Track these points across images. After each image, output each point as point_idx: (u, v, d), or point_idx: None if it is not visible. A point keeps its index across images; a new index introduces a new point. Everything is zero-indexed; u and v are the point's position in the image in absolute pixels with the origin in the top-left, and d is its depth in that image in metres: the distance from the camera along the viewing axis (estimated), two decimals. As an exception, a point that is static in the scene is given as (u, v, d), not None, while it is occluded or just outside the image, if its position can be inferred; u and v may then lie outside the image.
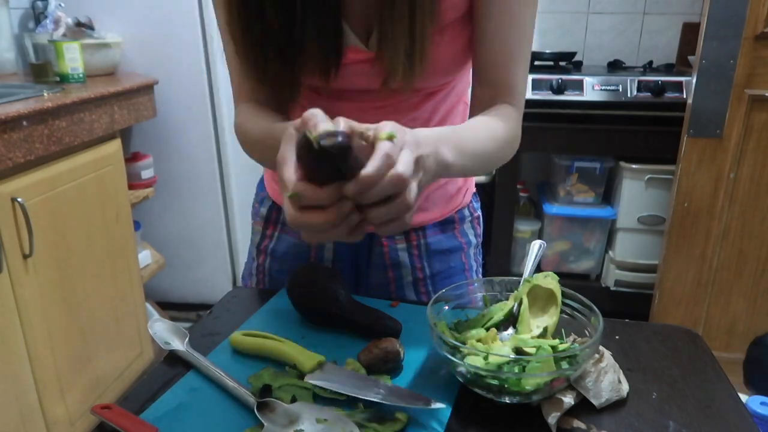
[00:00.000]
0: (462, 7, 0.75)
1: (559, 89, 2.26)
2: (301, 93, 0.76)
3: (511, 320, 0.72)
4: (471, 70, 0.86)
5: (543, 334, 0.67)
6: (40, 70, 1.92)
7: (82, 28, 2.05)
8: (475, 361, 0.60)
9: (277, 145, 0.56)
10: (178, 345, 0.72)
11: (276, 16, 0.68)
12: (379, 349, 0.67)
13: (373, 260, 0.93)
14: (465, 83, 0.88)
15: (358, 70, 0.75)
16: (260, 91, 0.79)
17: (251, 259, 1.01)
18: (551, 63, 2.50)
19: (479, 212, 1.00)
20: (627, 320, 0.81)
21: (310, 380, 0.64)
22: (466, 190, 0.96)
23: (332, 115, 0.78)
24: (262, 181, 1.00)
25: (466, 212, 0.96)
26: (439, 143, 0.61)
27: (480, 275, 1.00)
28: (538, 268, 0.78)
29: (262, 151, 0.75)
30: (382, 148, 0.51)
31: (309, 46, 0.71)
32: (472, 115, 0.81)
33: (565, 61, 2.55)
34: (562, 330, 0.70)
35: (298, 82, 0.74)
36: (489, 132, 0.73)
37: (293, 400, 0.61)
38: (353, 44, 0.74)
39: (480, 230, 1.00)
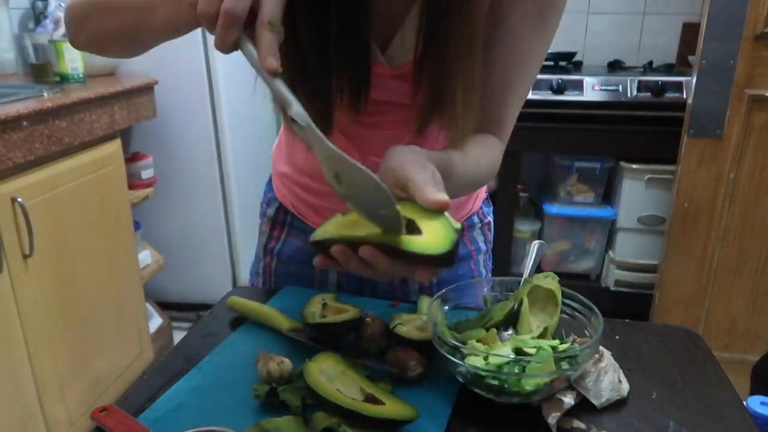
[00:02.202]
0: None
1: (559, 89, 2.26)
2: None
3: (511, 320, 0.72)
4: None
5: (543, 335, 0.67)
6: (40, 70, 1.92)
7: (82, 28, 2.05)
8: (475, 362, 0.60)
9: None
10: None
11: (312, 48, 0.65)
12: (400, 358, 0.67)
13: None
14: None
15: (380, 85, 0.73)
16: None
17: (257, 259, 1.01)
18: (551, 63, 2.50)
19: (490, 218, 0.98)
20: (627, 320, 0.81)
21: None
22: (476, 197, 0.95)
23: (344, 128, 0.77)
24: (269, 182, 0.99)
25: (476, 219, 0.96)
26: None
27: (489, 277, 0.99)
28: (539, 268, 0.78)
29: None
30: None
31: (340, 68, 0.67)
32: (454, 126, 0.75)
33: (565, 61, 2.55)
34: (562, 330, 0.70)
35: (331, 111, 0.70)
36: (474, 164, 0.70)
37: (303, 401, 0.62)
38: (375, 59, 0.71)
39: (491, 236, 0.99)
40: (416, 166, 0.54)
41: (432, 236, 0.50)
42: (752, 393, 1.67)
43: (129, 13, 0.63)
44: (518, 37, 0.70)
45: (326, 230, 0.58)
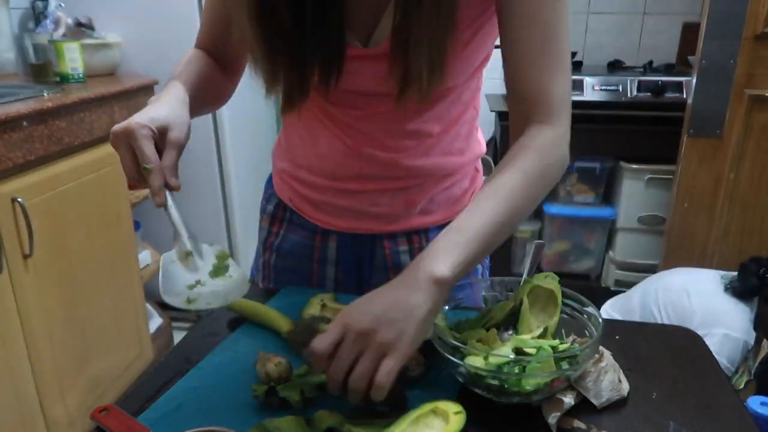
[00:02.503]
0: (478, 7, 0.72)
1: (559, 89, 2.26)
2: (310, 94, 0.75)
3: (512, 320, 0.72)
4: (479, 78, 0.85)
5: (543, 335, 0.67)
6: (40, 70, 1.92)
7: (82, 28, 2.05)
8: (475, 362, 0.60)
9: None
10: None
11: (286, 16, 0.69)
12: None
13: (376, 262, 0.93)
14: (472, 90, 0.85)
15: (356, 69, 0.75)
16: (218, 45, 0.88)
17: (258, 255, 1.02)
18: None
19: None
20: (627, 320, 0.81)
21: (288, 338, 0.73)
22: (472, 192, 0.94)
23: (331, 115, 0.80)
24: (270, 179, 1.00)
25: None
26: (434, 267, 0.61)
27: (486, 276, 0.99)
28: (539, 268, 0.78)
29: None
30: None
31: (314, 43, 0.71)
32: (511, 131, 0.75)
33: (565, 61, 2.54)
34: (562, 330, 0.70)
35: (306, 82, 0.74)
36: (519, 198, 0.67)
37: (302, 394, 0.62)
38: (350, 42, 0.73)
39: None
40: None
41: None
42: (756, 393, 1.68)
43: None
44: (534, 8, 0.69)
45: None
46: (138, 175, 0.65)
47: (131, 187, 2.05)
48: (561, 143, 0.72)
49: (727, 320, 1.63)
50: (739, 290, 1.69)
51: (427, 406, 0.59)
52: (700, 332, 1.58)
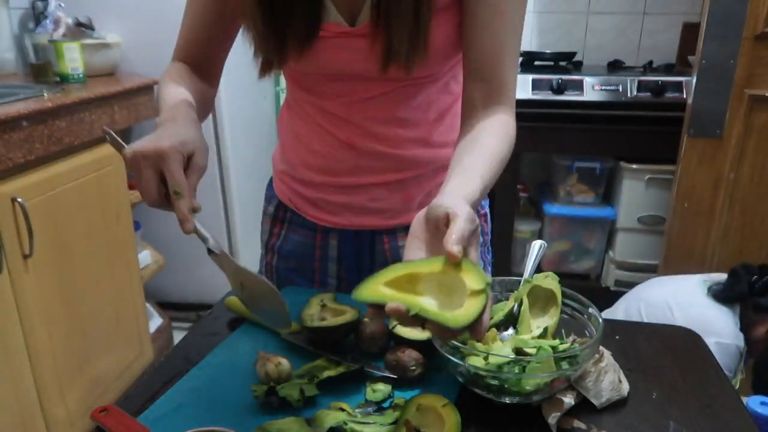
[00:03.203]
0: None
1: (559, 89, 2.26)
2: (296, 85, 0.79)
3: (512, 320, 0.72)
4: (455, 66, 0.86)
5: (543, 335, 0.67)
6: (40, 70, 1.91)
7: (82, 28, 2.05)
8: (476, 362, 0.60)
9: (162, 110, 0.73)
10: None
11: None
12: (399, 358, 0.67)
13: (376, 258, 0.93)
14: (461, 82, 0.86)
15: (341, 47, 0.76)
16: (198, 58, 0.88)
17: (261, 257, 1.03)
18: (551, 63, 2.50)
19: (486, 210, 0.99)
20: (627, 320, 0.81)
21: (286, 338, 0.74)
22: None
23: (321, 108, 0.84)
24: (270, 181, 1.01)
25: None
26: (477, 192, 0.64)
27: (489, 273, 0.99)
28: (539, 269, 0.78)
29: (160, 106, 0.78)
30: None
31: (292, 13, 0.74)
32: (465, 112, 0.80)
33: (565, 61, 2.55)
34: (562, 330, 0.70)
35: (284, 53, 0.77)
36: (498, 160, 0.73)
37: (301, 393, 0.62)
38: (334, 20, 0.76)
39: (488, 228, 1.00)
40: (459, 218, 0.56)
41: (465, 309, 0.53)
42: (754, 389, 1.68)
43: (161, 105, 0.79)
44: (499, 1, 0.74)
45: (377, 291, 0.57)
46: (161, 199, 0.64)
47: (131, 187, 2.05)
48: (514, 123, 0.79)
49: (715, 328, 1.61)
50: (725, 296, 1.68)
51: (412, 406, 0.59)
52: None
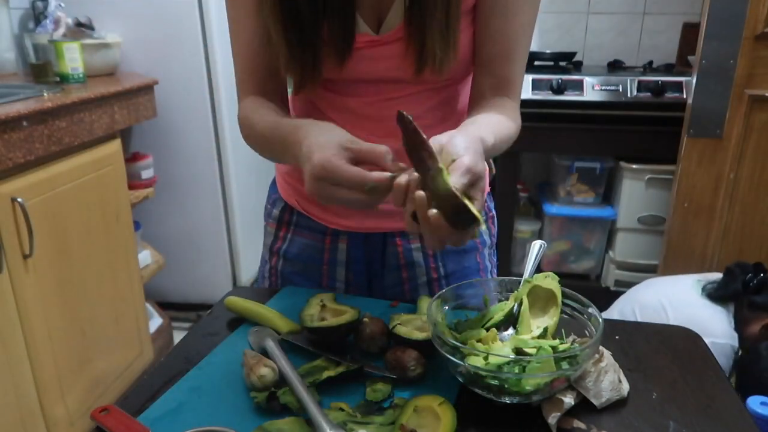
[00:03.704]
0: None
1: (559, 89, 2.26)
2: (321, 85, 0.79)
3: (511, 320, 0.72)
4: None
5: (543, 335, 0.67)
6: (40, 70, 1.92)
7: (82, 28, 2.05)
8: (475, 362, 0.60)
9: (284, 139, 0.68)
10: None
11: (306, 6, 0.72)
12: (398, 357, 0.67)
13: (387, 260, 0.92)
14: (466, 83, 0.89)
15: (370, 56, 0.77)
16: (267, 84, 0.83)
17: (263, 261, 1.00)
18: (551, 63, 2.50)
19: (493, 212, 0.99)
20: (627, 320, 0.81)
21: (286, 338, 0.73)
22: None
23: (338, 105, 0.84)
24: (274, 182, 0.99)
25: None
26: (483, 136, 0.66)
27: (495, 275, 0.99)
28: (539, 269, 0.78)
29: (271, 144, 0.76)
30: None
31: (327, 30, 0.74)
32: (473, 100, 0.84)
33: (565, 61, 2.55)
34: (562, 330, 0.70)
35: (319, 70, 0.77)
36: (504, 128, 0.77)
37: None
38: (363, 31, 0.77)
39: (495, 230, 1.00)
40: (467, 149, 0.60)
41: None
42: (738, 389, 1.69)
43: (265, 146, 0.79)
44: (512, 5, 0.77)
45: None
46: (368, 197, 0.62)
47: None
48: (519, 114, 0.84)
49: (710, 328, 1.62)
50: (720, 294, 1.68)
51: (409, 407, 0.59)
52: None
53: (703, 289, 1.71)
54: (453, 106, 0.87)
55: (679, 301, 1.71)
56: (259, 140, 0.79)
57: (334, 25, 0.75)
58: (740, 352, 1.64)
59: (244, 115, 0.82)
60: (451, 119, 0.86)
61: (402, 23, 0.75)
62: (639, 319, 1.71)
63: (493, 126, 0.73)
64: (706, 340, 1.61)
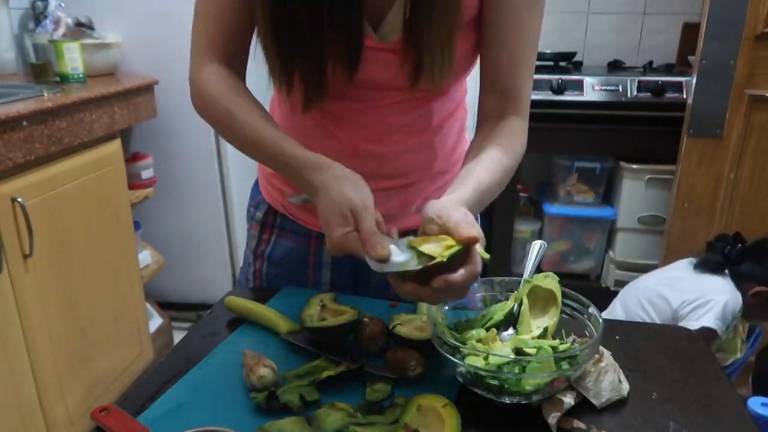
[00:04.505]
0: (473, 9, 0.76)
1: (559, 89, 2.26)
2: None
3: (511, 320, 0.72)
4: (465, 78, 0.86)
5: (543, 335, 0.67)
6: (40, 70, 1.91)
7: (82, 28, 2.05)
8: (475, 362, 0.60)
9: (292, 165, 0.69)
10: None
11: (305, 15, 0.69)
12: (399, 357, 0.67)
13: None
14: (462, 90, 0.89)
15: (371, 61, 0.75)
16: (236, 54, 0.78)
17: (247, 264, 0.99)
18: (551, 63, 2.50)
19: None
20: (627, 320, 0.81)
21: (286, 338, 0.74)
22: None
23: (337, 119, 0.82)
24: (256, 184, 0.99)
25: None
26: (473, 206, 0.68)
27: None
28: (539, 269, 0.78)
29: (262, 152, 0.75)
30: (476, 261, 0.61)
31: (334, 37, 0.72)
32: (480, 123, 0.82)
33: (565, 61, 2.55)
34: (562, 330, 0.70)
35: (325, 80, 0.74)
36: (500, 169, 0.76)
37: (301, 399, 0.62)
38: (367, 32, 0.74)
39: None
40: (451, 210, 0.63)
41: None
42: (754, 389, 1.69)
43: (255, 153, 0.78)
44: (518, 16, 0.75)
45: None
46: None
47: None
48: (526, 132, 0.83)
49: (717, 292, 1.63)
50: (704, 266, 1.70)
51: (412, 407, 0.59)
52: (700, 310, 1.61)
53: (695, 267, 1.73)
54: (437, 113, 0.85)
55: (676, 277, 1.73)
56: (232, 131, 0.77)
57: (341, 38, 0.72)
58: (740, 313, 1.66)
59: (206, 86, 0.77)
60: (433, 127, 0.85)
61: (402, 36, 0.73)
62: (644, 303, 1.72)
63: (482, 168, 0.73)
64: (722, 297, 1.64)
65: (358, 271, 0.93)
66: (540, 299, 0.72)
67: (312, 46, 0.71)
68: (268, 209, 0.95)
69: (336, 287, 0.93)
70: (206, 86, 0.77)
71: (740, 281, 1.67)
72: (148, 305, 2.22)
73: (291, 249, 0.93)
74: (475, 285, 0.76)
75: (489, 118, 0.80)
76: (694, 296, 1.63)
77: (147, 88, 2.03)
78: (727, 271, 1.70)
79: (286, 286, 0.93)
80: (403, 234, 0.67)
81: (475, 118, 0.84)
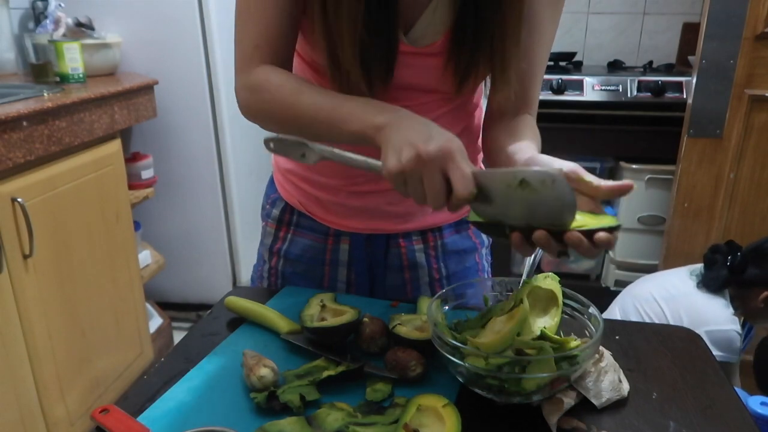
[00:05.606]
0: None
1: (559, 89, 2.26)
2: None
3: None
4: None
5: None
6: (40, 70, 1.92)
7: (82, 28, 2.05)
8: (476, 362, 0.60)
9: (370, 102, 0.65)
10: None
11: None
12: (399, 358, 0.67)
13: (390, 261, 0.92)
14: (480, 90, 0.89)
15: (408, 64, 0.74)
16: (281, 54, 0.75)
17: (261, 261, 0.99)
18: (551, 63, 2.50)
19: None
20: (627, 320, 0.81)
21: (286, 338, 0.74)
22: None
23: None
24: (271, 182, 0.98)
25: None
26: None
27: (490, 275, 1.00)
28: (539, 269, 0.78)
29: (332, 102, 0.68)
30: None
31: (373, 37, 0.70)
32: (493, 120, 0.82)
33: (565, 61, 2.55)
34: (561, 331, 0.70)
35: (371, 79, 0.72)
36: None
37: (302, 399, 0.62)
38: (401, 39, 0.74)
39: None
40: (577, 167, 0.62)
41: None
42: (759, 384, 1.69)
43: (314, 128, 0.70)
44: (540, 21, 0.76)
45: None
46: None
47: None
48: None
49: (711, 317, 1.62)
50: (716, 286, 1.68)
51: (412, 406, 0.60)
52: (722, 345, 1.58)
53: (698, 284, 1.71)
54: (459, 114, 0.85)
55: (674, 294, 1.71)
56: (302, 105, 0.70)
57: (379, 40, 0.70)
58: (745, 332, 1.65)
59: (264, 76, 0.73)
60: (453, 126, 0.85)
61: (443, 38, 0.72)
62: (640, 314, 1.72)
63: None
64: (710, 329, 1.62)
65: (375, 269, 0.93)
66: (541, 300, 0.72)
67: (353, 50, 0.69)
68: (284, 207, 0.94)
69: (352, 286, 0.93)
70: (265, 75, 0.73)
71: (747, 288, 1.66)
72: (148, 305, 2.22)
73: (308, 246, 0.93)
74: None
75: (504, 114, 0.81)
76: (698, 325, 1.61)
77: (147, 88, 2.03)
78: (726, 291, 1.68)
79: (302, 285, 0.93)
80: None
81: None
